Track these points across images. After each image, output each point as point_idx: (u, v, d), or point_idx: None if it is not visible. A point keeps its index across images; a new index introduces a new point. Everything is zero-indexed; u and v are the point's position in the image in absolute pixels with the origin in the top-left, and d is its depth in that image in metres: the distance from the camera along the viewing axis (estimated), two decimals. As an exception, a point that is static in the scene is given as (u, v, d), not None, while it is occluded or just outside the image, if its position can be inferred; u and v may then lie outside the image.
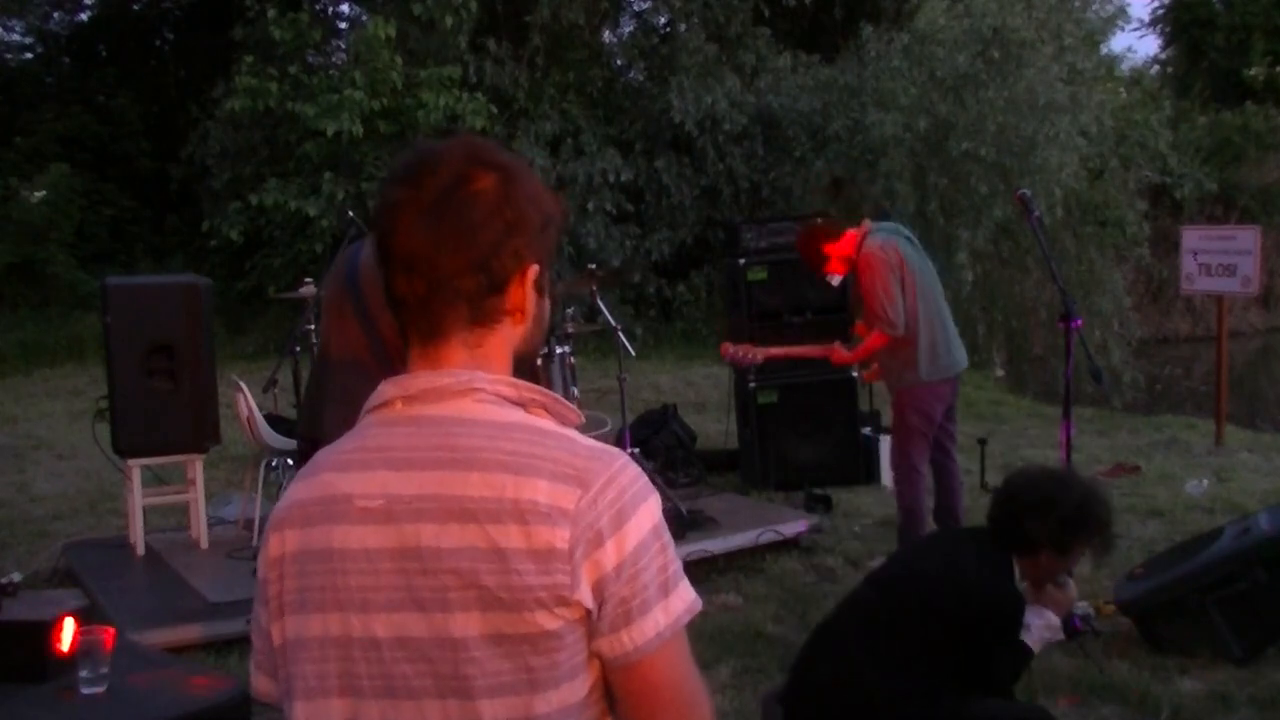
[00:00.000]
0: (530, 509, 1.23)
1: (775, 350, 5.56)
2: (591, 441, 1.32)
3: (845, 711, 3.23)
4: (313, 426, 3.68)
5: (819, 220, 5.89)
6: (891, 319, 5.21)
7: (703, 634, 4.53)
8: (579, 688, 1.27)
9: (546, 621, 1.23)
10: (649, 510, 1.29)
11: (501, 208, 1.30)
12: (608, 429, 5.57)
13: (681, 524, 5.64)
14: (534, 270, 1.34)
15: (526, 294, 1.34)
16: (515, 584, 1.23)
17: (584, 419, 1.41)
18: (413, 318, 1.32)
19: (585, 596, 1.24)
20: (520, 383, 1.34)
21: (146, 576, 5.44)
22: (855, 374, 7.09)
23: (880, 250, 5.27)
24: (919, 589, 3.29)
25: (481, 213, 1.29)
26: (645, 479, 1.31)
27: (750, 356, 5.46)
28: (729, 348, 5.51)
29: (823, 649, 3.40)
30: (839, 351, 5.59)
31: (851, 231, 5.45)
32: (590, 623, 1.26)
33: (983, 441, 7.30)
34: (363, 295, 3.46)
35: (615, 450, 1.32)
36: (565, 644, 1.25)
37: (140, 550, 5.66)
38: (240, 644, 4.52)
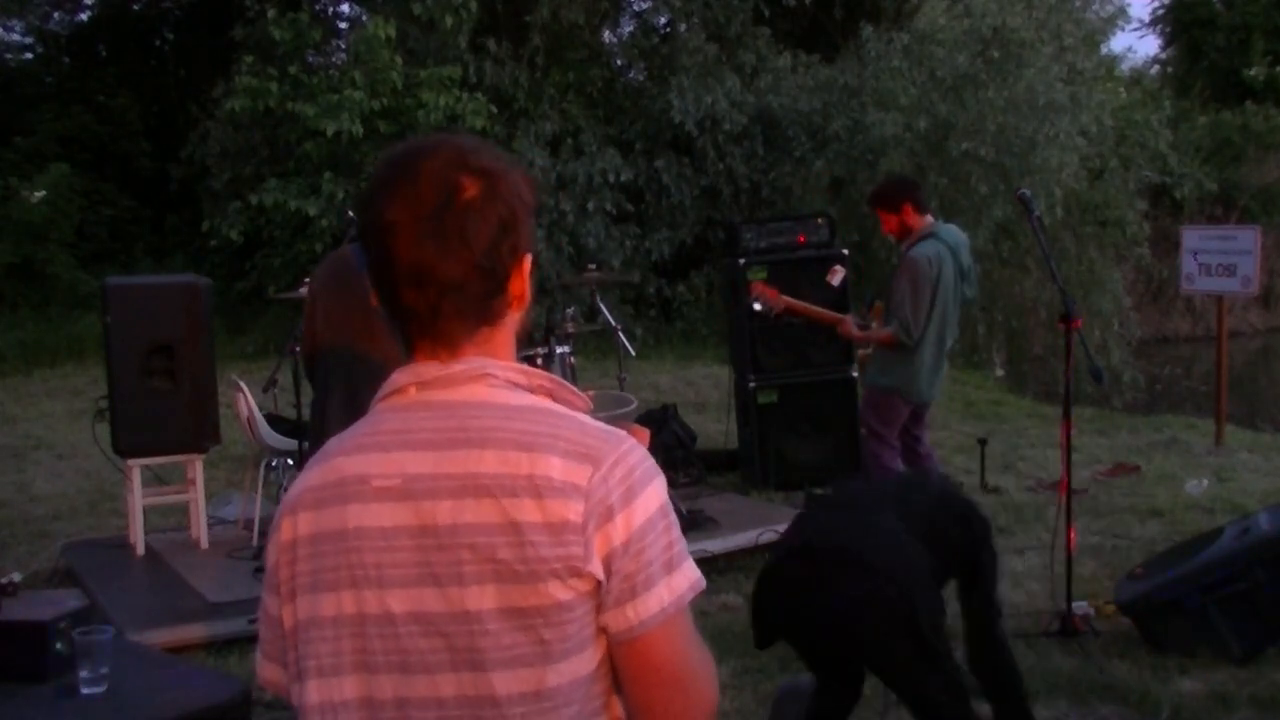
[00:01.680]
0: (545, 484, 1.28)
1: (796, 304, 5.81)
2: (601, 424, 1.36)
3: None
4: None
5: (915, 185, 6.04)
6: (909, 327, 5.31)
7: (703, 634, 4.51)
8: (588, 660, 1.31)
9: (559, 592, 1.27)
10: (656, 490, 1.34)
11: (494, 210, 1.34)
12: (634, 407, 5.58)
13: (681, 524, 5.64)
14: (529, 260, 1.39)
15: (525, 283, 1.39)
16: (530, 556, 1.27)
17: (591, 404, 1.44)
18: (423, 327, 1.36)
19: (596, 568, 1.28)
20: (530, 369, 1.40)
21: (146, 576, 5.45)
22: (854, 374, 7.10)
23: (927, 262, 5.35)
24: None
25: (477, 219, 1.33)
26: (652, 461, 1.36)
27: (775, 301, 5.73)
28: (759, 286, 5.82)
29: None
30: (848, 325, 5.73)
31: (927, 218, 5.55)
32: (599, 595, 1.29)
33: (983, 441, 7.30)
34: None
35: (623, 433, 1.37)
36: (576, 616, 1.29)
37: (140, 550, 5.66)
38: (240, 644, 4.53)
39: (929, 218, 5.56)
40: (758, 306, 5.82)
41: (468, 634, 1.28)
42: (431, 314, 1.34)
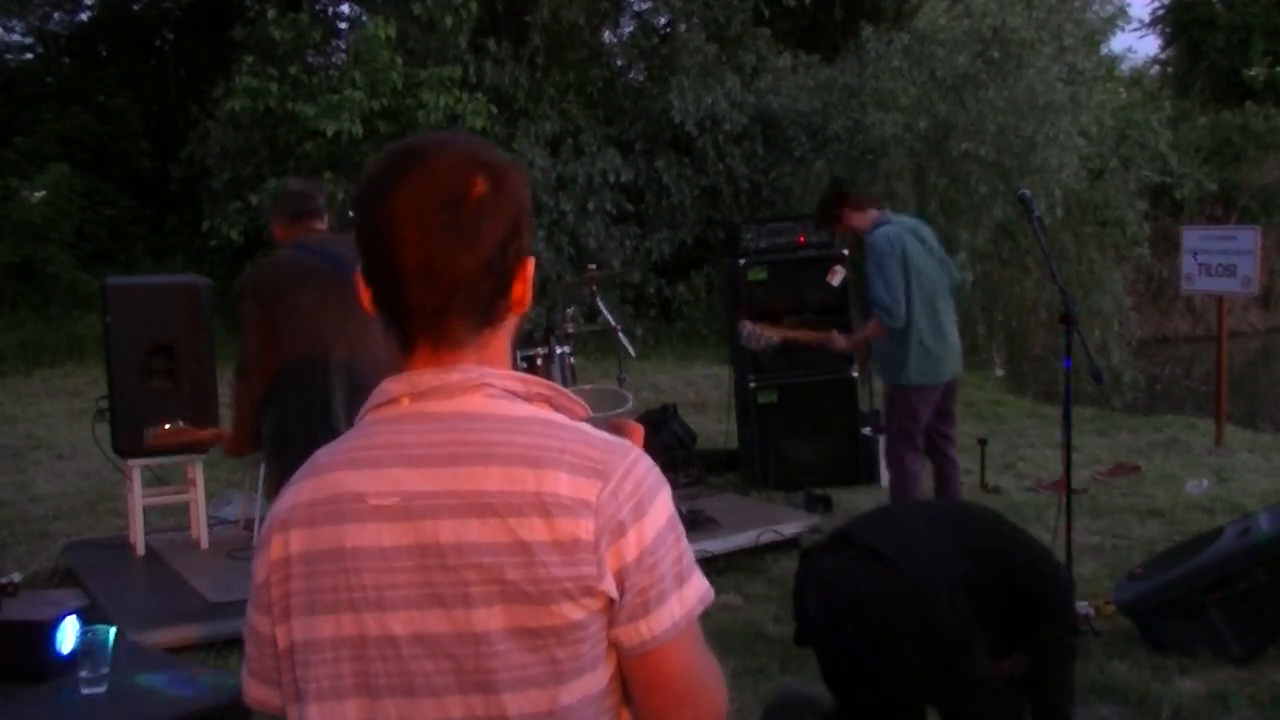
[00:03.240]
0: (553, 501, 1.24)
1: (788, 334, 5.75)
2: (605, 434, 1.33)
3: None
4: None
5: (848, 187, 6.02)
6: (890, 307, 5.29)
7: (703, 634, 4.53)
8: (601, 677, 1.29)
9: (572, 612, 1.24)
10: (664, 501, 1.31)
11: (504, 208, 1.31)
12: (630, 407, 5.55)
13: (682, 524, 5.64)
14: (531, 264, 1.36)
15: (527, 287, 1.36)
16: (541, 576, 1.23)
17: (589, 411, 1.41)
18: (427, 326, 1.32)
19: (610, 586, 1.25)
20: (527, 377, 1.36)
21: (146, 576, 5.44)
22: (854, 374, 7.11)
23: (886, 241, 5.38)
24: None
25: (490, 217, 1.30)
26: (658, 471, 1.33)
27: (767, 336, 5.62)
28: (749, 324, 5.68)
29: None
30: (835, 339, 5.71)
31: (871, 211, 5.57)
32: (611, 611, 1.27)
33: (983, 441, 7.30)
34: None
35: (628, 443, 1.34)
36: (589, 634, 1.26)
37: (140, 550, 5.66)
38: (240, 644, 4.52)
39: (874, 210, 5.58)
40: (746, 344, 5.73)
41: (476, 655, 1.25)
42: (438, 313, 1.30)
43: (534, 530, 1.24)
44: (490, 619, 1.24)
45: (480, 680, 1.26)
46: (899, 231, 5.44)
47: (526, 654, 1.25)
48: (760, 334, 5.61)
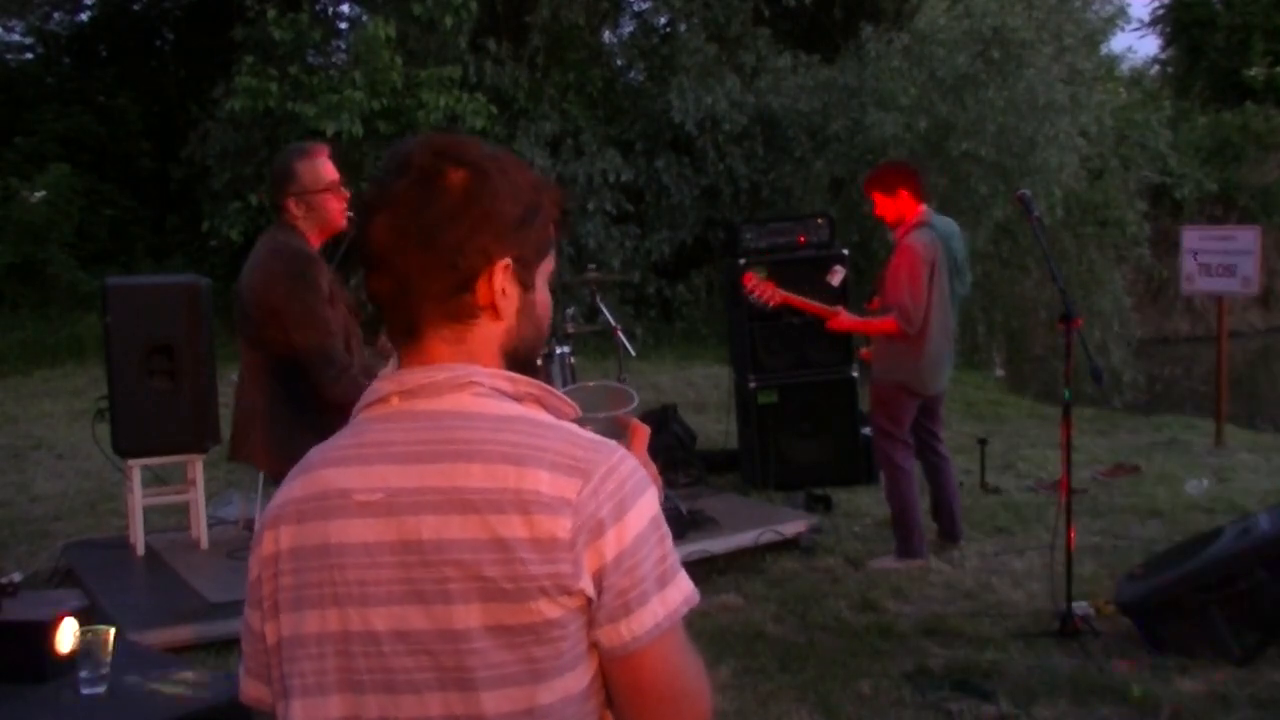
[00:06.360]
0: (533, 499, 1.24)
1: (792, 298, 5.58)
2: (591, 434, 1.33)
3: None
4: None
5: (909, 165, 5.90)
6: (910, 315, 5.28)
7: (703, 634, 4.53)
8: (581, 677, 1.28)
9: (549, 610, 1.24)
10: (648, 502, 1.30)
11: (469, 205, 1.31)
12: (635, 405, 5.55)
13: (681, 524, 5.64)
14: (504, 266, 1.34)
15: (496, 291, 1.34)
16: (519, 573, 1.23)
17: (579, 411, 1.41)
18: (388, 315, 1.35)
19: (587, 585, 1.25)
20: (517, 376, 1.36)
21: (146, 576, 5.44)
22: (854, 374, 7.11)
23: (924, 246, 5.33)
24: None
25: (445, 210, 1.30)
26: (644, 471, 1.33)
27: (768, 296, 5.50)
28: (752, 279, 5.58)
29: None
30: (841, 317, 5.61)
31: (922, 207, 5.47)
32: (590, 611, 1.27)
33: (983, 441, 7.30)
34: None
35: (614, 443, 1.33)
36: (568, 633, 1.26)
37: (140, 550, 5.66)
38: (239, 643, 4.52)
39: (925, 207, 5.50)
40: (749, 296, 5.69)
41: (454, 653, 1.25)
42: (393, 302, 1.33)
43: (512, 527, 1.24)
44: (469, 616, 1.25)
45: (459, 678, 1.26)
46: (934, 239, 5.39)
47: (504, 652, 1.25)
48: (762, 292, 5.52)
